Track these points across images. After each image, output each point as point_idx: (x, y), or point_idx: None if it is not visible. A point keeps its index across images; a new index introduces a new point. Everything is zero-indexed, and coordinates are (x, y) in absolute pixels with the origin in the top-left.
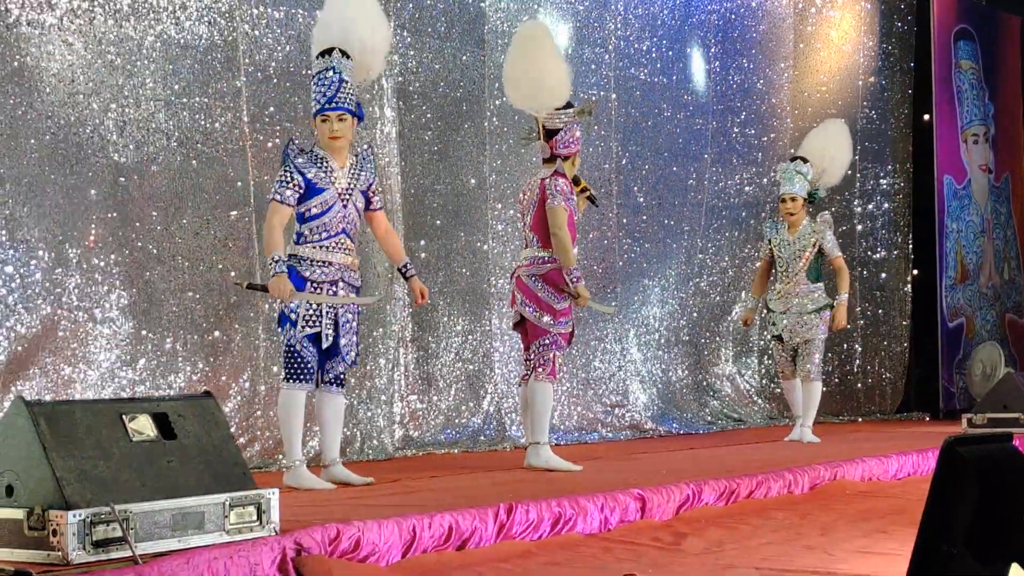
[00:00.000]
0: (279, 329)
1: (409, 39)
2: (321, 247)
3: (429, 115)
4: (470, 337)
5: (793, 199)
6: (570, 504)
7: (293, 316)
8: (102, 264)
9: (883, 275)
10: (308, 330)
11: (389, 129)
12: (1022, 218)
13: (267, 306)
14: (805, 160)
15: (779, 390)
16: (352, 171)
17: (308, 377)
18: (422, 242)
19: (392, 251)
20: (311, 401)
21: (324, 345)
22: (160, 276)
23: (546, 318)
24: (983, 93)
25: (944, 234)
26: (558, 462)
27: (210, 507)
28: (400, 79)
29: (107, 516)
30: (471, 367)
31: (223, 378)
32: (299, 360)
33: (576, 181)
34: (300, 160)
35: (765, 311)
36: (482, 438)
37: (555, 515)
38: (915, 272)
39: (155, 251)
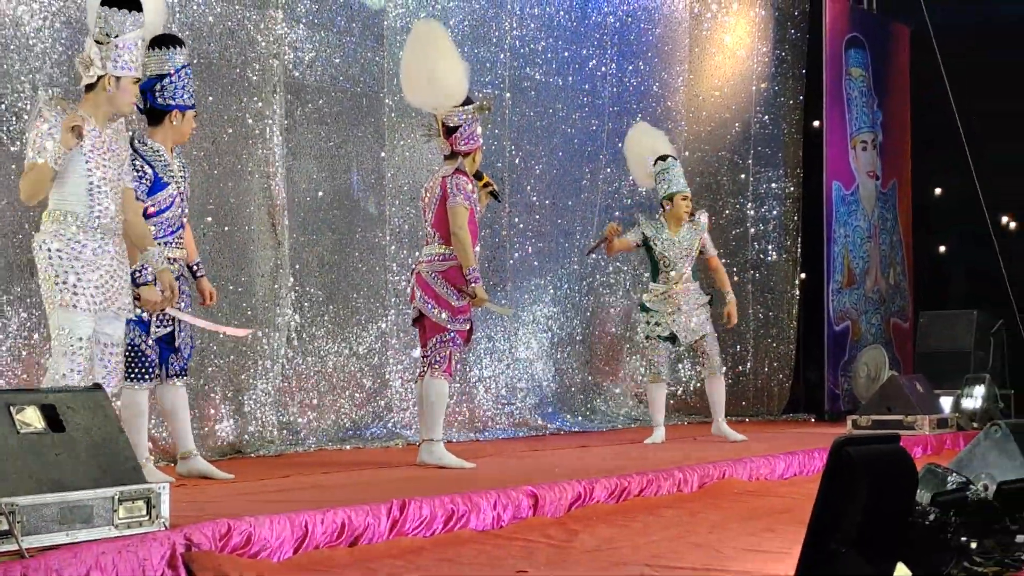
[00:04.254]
0: None
1: (305, 32)
2: (166, 243)
3: (326, 109)
4: (365, 333)
5: (685, 197)
6: (463, 501)
7: (145, 317)
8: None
9: (773, 278)
10: (162, 330)
11: (278, 123)
12: (908, 224)
13: None
14: (676, 158)
15: (674, 388)
16: (179, 164)
17: (152, 376)
18: (315, 236)
19: (187, 248)
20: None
21: (177, 343)
22: None
23: (444, 315)
24: (872, 101)
25: (832, 238)
26: (451, 459)
27: (99, 501)
28: (296, 73)
29: None
30: (365, 363)
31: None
32: (144, 360)
33: (479, 176)
34: (147, 152)
35: (643, 312)
36: (375, 435)
37: (448, 512)
38: (803, 275)
39: None
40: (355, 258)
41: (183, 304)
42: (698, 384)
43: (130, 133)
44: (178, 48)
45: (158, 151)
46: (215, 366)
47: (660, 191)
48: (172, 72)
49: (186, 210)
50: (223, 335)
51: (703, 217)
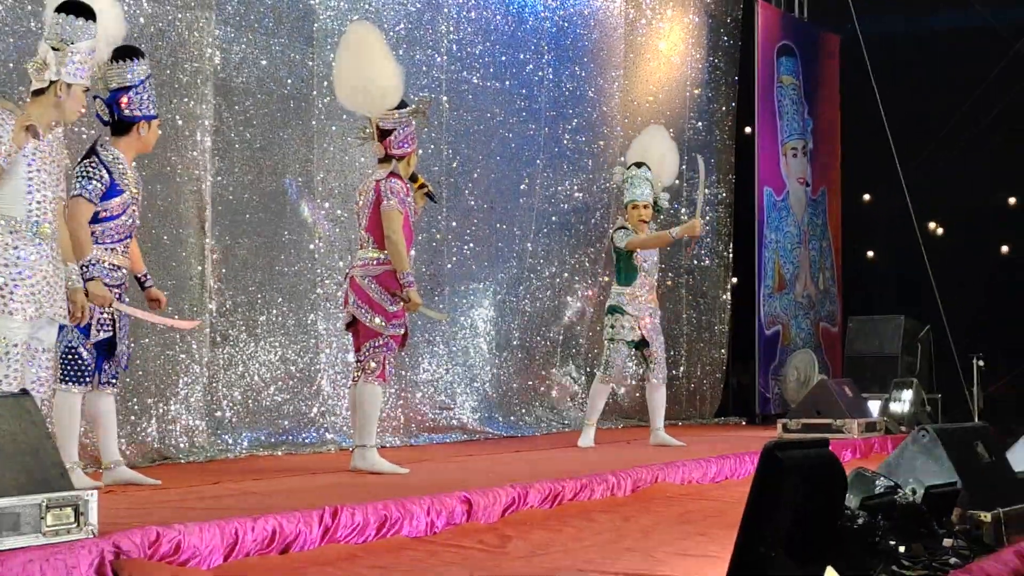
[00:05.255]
0: None
1: (232, 33)
2: (113, 250)
3: (253, 111)
4: (295, 337)
5: (646, 206)
6: (396, 507)
7: (86, 321)
8: None
9: (706, 283)
10: (102, 335)
11: (206, 124)
12: (837, 230)
13: None
14: (649, 167)
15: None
16: (135, 176)
17: (87, 380)
18: (243, 240)
19: (134, 259)
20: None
21: (118, 349)
22: None
23: (378, 320)
24: (803, 108)
25: (763, 244)
26: (384, 465)
27: (26, 508)
28: (222, 75)
29: None
30: (295, 368)
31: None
32: (81, 362)
33: (414, 178)
34: (108, 157)
35: (614, 313)
36: (307, 440)
37: (381, 518)
38: (734, 280)
39: None
40: (282, 261)
41: (122, 314)
42: (634, 389)
43: (95, 137)
44: (140, 59)
45: (119, 159)
46: (143, 371)
47: (624, 197)
48: (137, 83)
49: (137, 221)
50: (171, 328)
51: (652, 226)
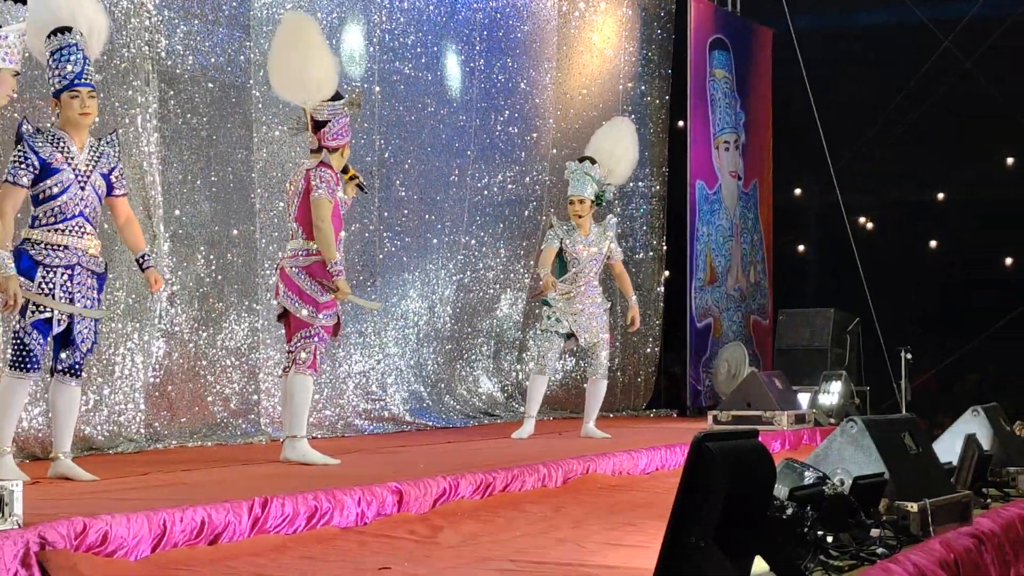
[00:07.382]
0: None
1: (177, 20)
2: (56, 230)
3: (197, 99)
4: (237, 328)
5: (582, 201)
6: (326, 497)
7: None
8: None
9: (639, 276)
10: (38, 315)
11: (151, 112)
12: (768, 224)
13: None
14: (594, 161)
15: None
16: (92, 153)
17: (34, 367)
18: (190, 230)
19: (131, 240)
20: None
21: (56, 331)
22: None
23: (308, 311)
24: (735, 102)
25: (695, 237)
26: (315, 456)
27: None
28: (168, 62)
29: None
30: (235, 358)
31: None
32: (24, 349)
33: (344, 169)
34: (36, 140)
35: (546, 306)
36: (238, 431)
37: (311, 509)
38: (667, 273)
39: None
40: (232, 252)
41: (89, 303)
42: (566, 380)
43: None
44: (55, 36)
45: (53, 137)
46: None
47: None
48: None
49: (93, 201)
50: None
51: (612, 221)
